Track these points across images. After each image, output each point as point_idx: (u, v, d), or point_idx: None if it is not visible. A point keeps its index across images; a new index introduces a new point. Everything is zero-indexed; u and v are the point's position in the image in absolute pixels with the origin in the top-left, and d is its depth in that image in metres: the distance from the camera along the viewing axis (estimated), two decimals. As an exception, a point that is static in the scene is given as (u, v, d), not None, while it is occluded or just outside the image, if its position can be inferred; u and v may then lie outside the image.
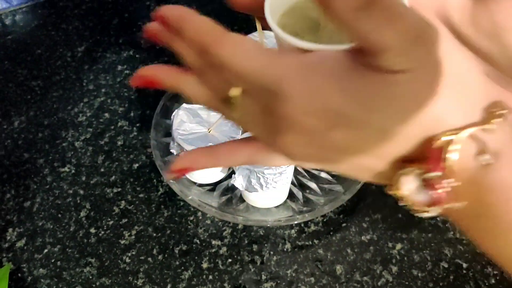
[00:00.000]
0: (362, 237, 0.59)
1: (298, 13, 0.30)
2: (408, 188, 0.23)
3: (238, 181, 0.56)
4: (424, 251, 0.59)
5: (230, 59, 0.23)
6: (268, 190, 0.55)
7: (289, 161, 0.27)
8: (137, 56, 0.77)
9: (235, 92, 0.24)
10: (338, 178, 0.63)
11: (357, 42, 0.20)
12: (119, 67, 0.76)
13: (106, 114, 0.70)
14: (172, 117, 0.58)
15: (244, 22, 0.82)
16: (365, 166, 0.24)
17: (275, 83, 0.22)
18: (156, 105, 0.67)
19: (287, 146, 0.24)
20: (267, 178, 0.54)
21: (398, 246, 0.59)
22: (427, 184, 0.22)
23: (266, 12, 0.27)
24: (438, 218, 0.61)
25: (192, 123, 0.57)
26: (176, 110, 0.58)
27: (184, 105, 0.58)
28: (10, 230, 0.59)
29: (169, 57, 0.77)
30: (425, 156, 0.22)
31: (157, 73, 0.27)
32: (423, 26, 0.19)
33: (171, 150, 0.57)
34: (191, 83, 0.26)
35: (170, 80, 0.27)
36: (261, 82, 0.23)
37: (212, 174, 0.61)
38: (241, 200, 0.61)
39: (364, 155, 0.23)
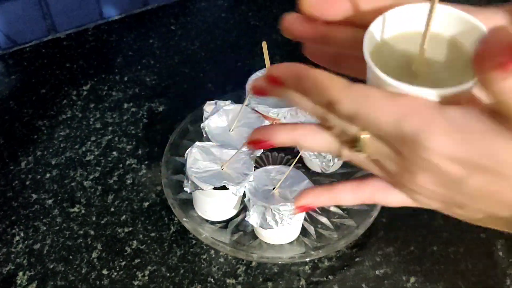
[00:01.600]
0: (376, 271, 0.59)
1: (389, 50, 0.29)
2: None
3: (253, 218, 0.56)
4: (438, 283, 0.59)
5: (359, 112, 0.24)
6: (283, 226, 0.55)
7: (409, 201, 0.27)
8: (142, 93, 0.78)
9: (364, 136, 0.25)
10: (349, 212, 0.63)
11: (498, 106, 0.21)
12: (125, 105, 0.76)
13: (114, 153, 0.70)
14: (185, 155, 0.58)
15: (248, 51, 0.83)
16: (495, 215, 0.25)
17: (412, 133, 0.23)
18: (164, 142, 0.68)
19: (417, 185, 0.25)
20: (283, 214, 0.55)
21: (412, 279, 0.59)
22: None
23: (364, 50, 0.27)
24: (449, 250, 0.61)
25: (205, 161, 0.58)
26: (189, 149, 0.58)
27: (197, 143, 0.59)
28: (21, 273, 0.58)
29: (175, 94, 0.78)
30: None
31: (269, 136, 0.28)
32: None
33: (184, 188, 0.57)
34: (309, 135, 0.27)
35: (284, 136, 0.28)
36: (396, 133, 0.24)
37: (224, 211, 0.61)
38: (254, 236, 0.61)
39: (497, 205, 0.24)
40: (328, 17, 0.29)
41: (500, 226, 0.27)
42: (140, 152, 0.70)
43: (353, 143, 0.26)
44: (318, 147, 0.28)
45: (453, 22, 0.28)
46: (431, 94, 0.25)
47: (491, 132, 0.22)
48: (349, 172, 0.67)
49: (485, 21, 0.26)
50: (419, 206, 0.28)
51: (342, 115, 0.25)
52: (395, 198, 0.29)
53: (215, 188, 0.55)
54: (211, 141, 0.61)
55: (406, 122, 0.23)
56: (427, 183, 0.25)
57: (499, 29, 0.21)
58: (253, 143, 0.28)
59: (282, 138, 0.28)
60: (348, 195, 0.30)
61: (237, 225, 0.61)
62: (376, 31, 0.29)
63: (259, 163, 0.68)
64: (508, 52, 0.20)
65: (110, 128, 0.73)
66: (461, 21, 0.29)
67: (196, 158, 0.58)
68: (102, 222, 0.63)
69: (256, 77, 0.67)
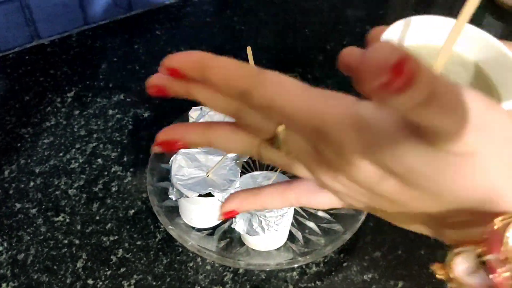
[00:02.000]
0: (364, 276, 0.59)
1: None
2: (461, 269, 0.22)
3: (239, 225, 0.56)
4: (426, 287, 0.59)
5: (275, 100, 0.22)
6: (270, 233, 0.55)
7: (337, 201, 0.26)
8: (127, 100, 0.77)
9: (280, 129, 0.24)
10: (336, 217, 0.63)
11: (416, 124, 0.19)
12: (110, 112, 0.75)
13: (99, 160, 0.69)
14: (170, 162, 0.57)
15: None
16: (414, 222, 0.25)
17: (328, 127, 0.21)
18: (149, 149, 0.66)
19: (337, 184, 0.24)
20: (269, 221, 0.54)
21: (400, 283, 0.59)
22: (488, 266, 0.21)
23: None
24: (437, 253, 0.61)
25: (190, 168, 0.57)
26: (174, 156, 0.58)
27: (182, 150, 0.58)
28: (4, 285, 0.57)
29: (160, 100, 0.77)
30: (483, 237, 0.21)
31: (180, 136, 0.25)
32: (482, 112, 0.20)
33: (170, 196, 0.56)
34: (224, 135, 0.25)
35: (197, 137, 0.25)
36: (312, 123, 0.22)
37: (210, 218, 0.60)
38: (241, 243, 0.60)
39: (414, 212, 0.23)
40: None
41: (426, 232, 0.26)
42: (125, 159, 0.70)
43: (270, 140, 0.24)
44: (234, 148, 0.26)
45: (478, 46, 0.26)
46: None
47: (403, 138, 0.20)
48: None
49: None
50: (346, 207, 0.28)
51: (256, 106, 0.22)
52: (323, 200, 0.28)
53: (200, 196, 0.55)
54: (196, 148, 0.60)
55: (321, 114, 0.21)
56: (346, 183, 0.24)
57: (383, 43, 0.16)
58: (161, 144, 0.25)
59: (193, 138, 0.25)
60: (276, 199, 0.29)
61: (223, 232, 0.61)
62: (398, 35, 0.27)
63: (246, 168, 0.68)
64: (389, 69, 0.16)
65: (95, 135, 0.72)
66: (489, 46, 0.27)
67: (181, 165, 0.57)
68: (87, 231, 0.62)
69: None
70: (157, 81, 0.24)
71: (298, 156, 0.25)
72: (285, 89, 0.22)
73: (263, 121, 0.24)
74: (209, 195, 0.55)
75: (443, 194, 0.21)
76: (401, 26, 0.27)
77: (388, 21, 0.28)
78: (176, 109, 0.75)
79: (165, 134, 0.25)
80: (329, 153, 0.23)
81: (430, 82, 0.17)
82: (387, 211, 0.25)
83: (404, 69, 0.16)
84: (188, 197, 0.54)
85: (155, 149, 0.26)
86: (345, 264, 0.60)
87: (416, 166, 0.20)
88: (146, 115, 0.75)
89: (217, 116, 0.63)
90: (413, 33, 0.28)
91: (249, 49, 0.63)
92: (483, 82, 0.27)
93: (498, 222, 0.21)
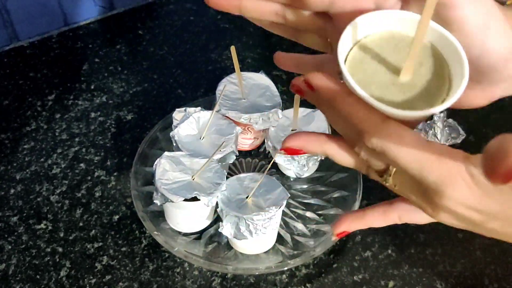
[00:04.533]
0: (355, 277, 0.58)
1: (368, 56, 0.28)
2: None
3: (226, 229, 0.54)
4: (416, 286, 0.58)
5: (389, 150, 0.26)
6: (258, 236, 0.54)
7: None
8: (110, 102, 0.75)
9: (391, 171, 0.28)
10: (325, 218, 0.62)
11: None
12: (93, 114, 0.74)
13: (82, 165, 0.68)
14: (154, 166, 0.56)
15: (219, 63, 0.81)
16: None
17: (435, 184, 0.26)
18: (133, 152, 0.65)
19: (441, 218, 0.28)
20: (257, 224, 0.53)
21: (391, 284, 0.58)
22: None
23: (340, 61, 0.26)
24: (427, 252, 0.61)
25: (175, 172, 0.56)
26: (158, 159, 0.56)
27: (166, 153, 0.57)
28: (-15, 296, 0.55)
29: (143, 102, 0.75)
30: None
31: (303, 144, 0.30)
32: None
33: (154, 201, 0.55)
34: (339, 151, 0.29)
35: (316, 147, 0.30)
36: (421, 178, 0.26)
37: (197, 223, 0.59)
38: (229, 247, 0.59)
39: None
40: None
41: None
42: (108, 163, 0.68)
43: (379, 172, 0.29)
44: (347, 163, 0.30)
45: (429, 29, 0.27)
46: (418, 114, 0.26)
47: (506, 191, 0.25)
48: (323, 176, 0.66)
49: None
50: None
51: (370, 148, 0.26)
52: (423, 218, 0.31)
53: (186, 200, 0.53)
54: (181, 150, 0.59)
55: (431, 172, 0.25)
56: (448, 219, 0.28)
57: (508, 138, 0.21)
58: (286, 150, 0.30)
59: (314, 148, 0.30)
60: (379, 219, 0.33)
61: (211, 236, 0.60)
62: (351, 36, 0.28)
63: (233, 170, 0.67)
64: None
65: (77, 139, 0.70)
66: (433, 29, 0.28)
67: (165, 168, 0.56)
68: (71, 238, 0.60)
69: (226, 82, 0.65)
70: (299, 84, 0.28)
71: (402, 191, 0.29)
72: (401, 143, 0.25)
73: (374, 158, 0.28)
74: (195, 199, 0.54)
75: None
76: (355, 26, 0.28)
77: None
78: (160, 110, 0.74)
79: (290, 141, 0.30)
80: (435, 200, 0.27)
81: None
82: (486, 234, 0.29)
83: None
84: (173, 201, 0.53)
85: (281, 153, 0.34)
86: (335, 265, 0.59)
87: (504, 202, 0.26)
88: (129, 117, 0.73)
89: (203, 119, 0.62)
90: (370, 28, 0.29)
91: (233, 49, 0.62)
92: (442, 66, 0.28)
93: None
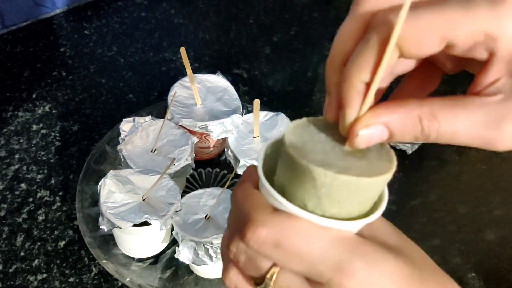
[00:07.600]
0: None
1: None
2: None
3: (184, 255, 0.49)
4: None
5: (282, 242, 0.24)
6: (219, 260, 0.48)
7: None
8: (54, 111, 0.68)
9: (273, 272, 0.25)
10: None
11: None
12: (34, 127, 0.66)
13: (23, 185, 0.61)
14: (98, 187, 0.49)
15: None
16: None
17: (336, 268, 0.23)
18: (81, 167, 0.59)
19: None
20: (217, 248, 0.47)
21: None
22: None
23: (259, 172, 0.25)
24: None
25: (122, 193, 0.49)
26: (102, 180, 0.50)
27: (112, 172, 0.50)
28: None
29: (90, 110, 0.68)
30: None
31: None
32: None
33: (101, 227, 0.49)
34: (233, 275, 0.27)
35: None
36: (314, 272, 0.23)
37: (151, 247, 0.53)
38: (189, 271, 0.53)
39: None
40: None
41: None
42: (53, 181, 0.61)
43: (259, 278, 0.25)
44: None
45: None
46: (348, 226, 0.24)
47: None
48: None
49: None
50: None
51: (263, 243, 0.24)
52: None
53: (135, 225, 0.47)
54: (130, 166, 0.53)
55: (322, 264, 0.23)
56: None
57: None
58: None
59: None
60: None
61: (168, 260, 0.54)
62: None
63: (192, 183, 0.61)
64: None
65: (17, 156, 0.63)
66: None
67: (111, 190, 0.49)
68: (11, 270, 0.54)
69: (179, 86, 0.59)
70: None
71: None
72: (292, 233, 0.24)
73: (258, 258, 0.25)
74: (146, 223, 0.48)
75: None
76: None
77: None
78: (109, 119, 0.67)
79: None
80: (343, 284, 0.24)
81: None
82: None
83: None
84: (120, 227, 0.47)
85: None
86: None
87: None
88: (75, 128, 0.66)
89: (154, 130, 0.56)
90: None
91: (183, 50, 0.56)
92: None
93: None
